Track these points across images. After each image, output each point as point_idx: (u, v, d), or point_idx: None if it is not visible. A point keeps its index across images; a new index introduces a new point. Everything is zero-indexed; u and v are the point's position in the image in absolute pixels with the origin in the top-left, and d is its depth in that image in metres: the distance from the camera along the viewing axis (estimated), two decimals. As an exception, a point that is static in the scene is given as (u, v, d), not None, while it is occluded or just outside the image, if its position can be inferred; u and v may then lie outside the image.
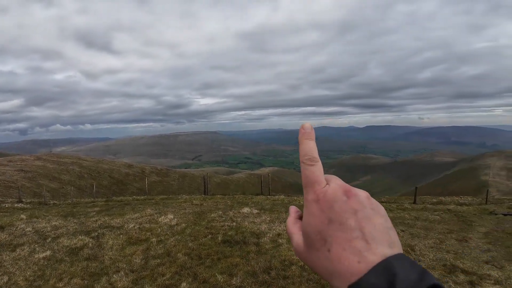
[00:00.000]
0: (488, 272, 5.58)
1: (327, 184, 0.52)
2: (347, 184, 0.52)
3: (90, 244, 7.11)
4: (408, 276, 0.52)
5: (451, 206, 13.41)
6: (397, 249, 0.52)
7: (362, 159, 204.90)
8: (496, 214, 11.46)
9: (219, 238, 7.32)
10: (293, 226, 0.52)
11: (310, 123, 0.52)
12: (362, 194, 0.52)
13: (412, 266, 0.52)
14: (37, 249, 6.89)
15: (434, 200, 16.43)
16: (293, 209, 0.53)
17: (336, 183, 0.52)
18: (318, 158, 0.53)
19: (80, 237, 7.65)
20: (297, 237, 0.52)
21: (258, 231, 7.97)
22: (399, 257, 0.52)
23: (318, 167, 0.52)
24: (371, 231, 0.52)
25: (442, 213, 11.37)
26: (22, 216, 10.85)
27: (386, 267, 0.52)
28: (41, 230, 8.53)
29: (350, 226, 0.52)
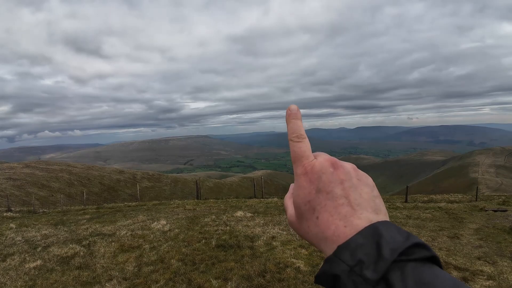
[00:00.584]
0: (480, 268, 5.66)
1: (314, 158, 0.55)
2: (334, 158, 0.55)
3: (82, 253, 6.99)
4: (393, 237, 0.54)
5: (442, 204, 13.59)
6: (383, 215, 0.55)
7: (354, 160, 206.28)
8: (486, 210, 11.65)
9: (213, 243, 7.27)
10: (288, 200, 0.55)
11: (296, 105, 0.55)
12: (349, 166, 0.55)
13: (398, 230, 0.55)
14: (28, 258, 6.75)
15: (425, 199, 16.63)
16: (291, 186, 0.55)
17: (323, 157, 0.55)
18: (305, 135, 0.55)
19: (71, 245, 7.51)
20: (290, 210, 0.55)
21: (252, 234, 7.95)
22: (385, 223, 0.55)
23: (305, 143, 0.55)
24: (356, 198, 0.55)
25: (433, 211, 11.51)
26: (12, 225, 10.65)
27: (372, 229, 0.55)
28: (31, 239, 8.37)
29: (336, 194, 0.55)
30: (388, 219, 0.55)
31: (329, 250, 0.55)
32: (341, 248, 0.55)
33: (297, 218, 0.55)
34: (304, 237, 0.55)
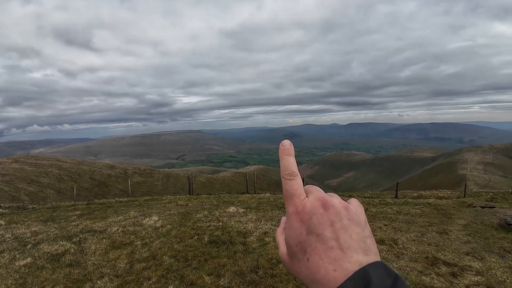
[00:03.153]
0: (469, 264, 5.77)
1: (306, 196, 0.56)
2: (325, 196, 0.56)
3: (72, 250, 6.92)
4: (382, 282, 0.56)
5: (431, 200, 13.80)
6: (373, 256, 0.56)
7: (345, 156, 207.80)
8: (474, 206, 11.87)
9: (206, 239, 7.27)
10: (280, 236, 0.56)
11: (289, 141, 0.56)
12: (340, 205, 0.56)
13: (387, 272, 0.56)
14: (18, 256, 6.66)
15: (415, 194, 16.87)
16: (283, 220, 0.56)
17: (314, 196, 0.56)
18: (297, 172, 0.56)
19: (61, 242, 7.43)
20: (282, 247, 0.56)
21: (244, 230, 7.97)
22: (374, 265, 0.56)
23: (297, 181, 0.56)
24: (346, 241, 0.56)
25: (422, 207, 11.69)
26: (1, 221, 10.48)
27: (362, 274, 0.56)
28: (21, 236, 8.25)
29: (326, 236, 0.56)
30: (378, 259, 0.56)
31: None
32: None
33: (289, 258, 0.56)
34: (296, 276, 0.56)
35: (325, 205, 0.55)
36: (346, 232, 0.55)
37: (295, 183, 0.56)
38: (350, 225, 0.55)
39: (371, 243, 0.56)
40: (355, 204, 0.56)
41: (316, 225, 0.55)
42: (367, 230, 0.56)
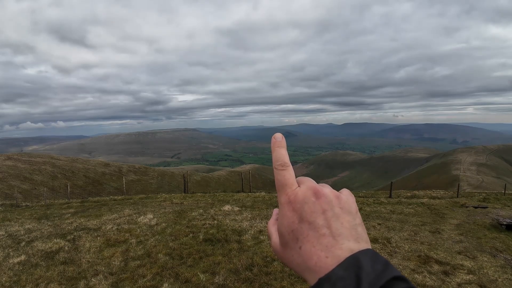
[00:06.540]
0: (461, 262, 5.86)
1: (298, 186, 0.56)
2: (317, 185, 0.56)
3: (66, 248, 6.89)
4: (373, 268, 0.56)
5: (425, 200, 13.93)
6: (364, 243, 0.56)
7: (341, 155, 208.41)
8: (467, 207, 12.01)
9: (201, 237, 7.29)
10: (272, 227, 0.56)
11: (281, 134, 0.56)
12: (331, 194, 0.56)
13: (378, 259, 0.56)
14: (11, 253, 6.62)
15: (409, 194, 17.02)
16: (275, 211, 0.56)
17: (306, 185, 0.56)
18: (289, 163, 0.56)
19: (55, 240, 7.40)
20: (274, 237, 0.56)
21: (239, 228, 7.99)
22: (365, 252, 0.56)
23: (289, 171, 0.56)
24: (338, 228, 0.56)
25: (416, 207, 11.80)
26: (-7, 219, 10.39)
27: (353, 260, 0.56)
28: (15, 234, 8.20)
29: (318, 224, 0.56)
30: (369, 247, 0.56)
31: (312, 280, 0.56)
32: (322, 280, 0.56)
33: (282, 247, 0.56)
34: (288, 266, 0.56)
35: (317, 194, 0.56)
36: (338, 220, 0.56)
37: (287, 173, 0.56)
38: (342, 213, 0.56)
39: (362, 231, 0.56)
40: (346, 194, 0.56)
41: (308, 213, 0.56)
42: (358, 219, 0.56)
